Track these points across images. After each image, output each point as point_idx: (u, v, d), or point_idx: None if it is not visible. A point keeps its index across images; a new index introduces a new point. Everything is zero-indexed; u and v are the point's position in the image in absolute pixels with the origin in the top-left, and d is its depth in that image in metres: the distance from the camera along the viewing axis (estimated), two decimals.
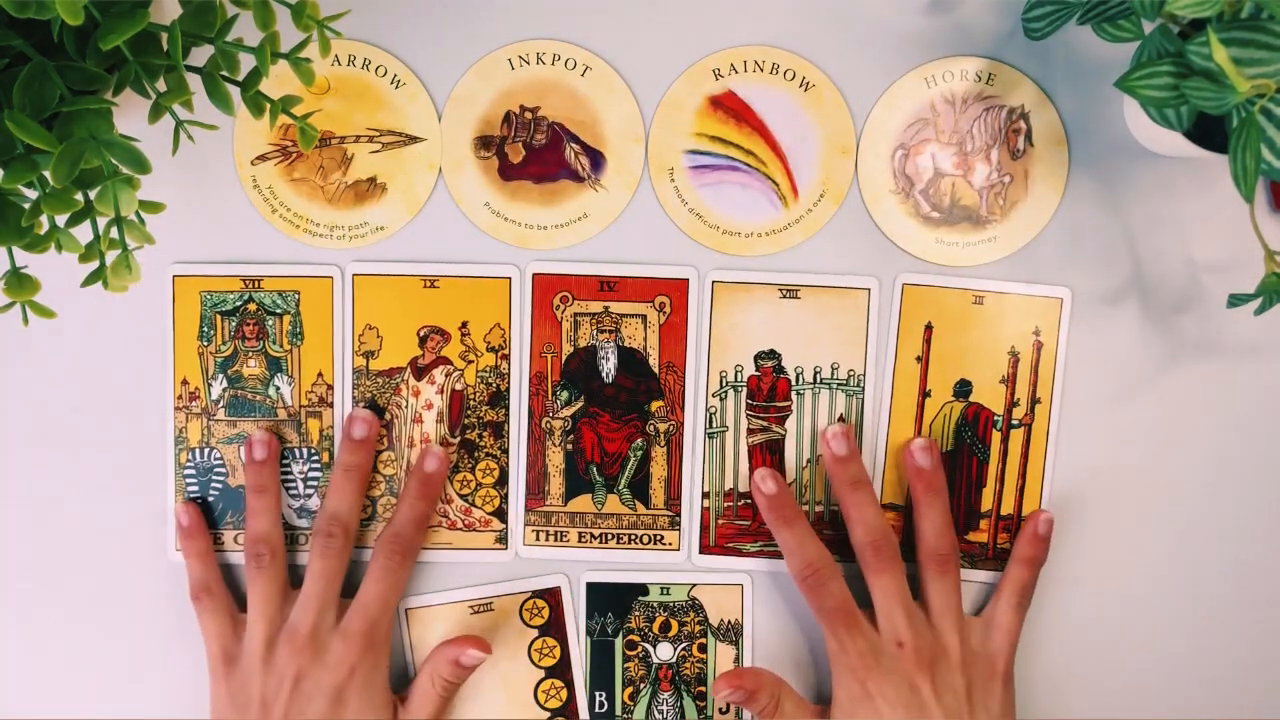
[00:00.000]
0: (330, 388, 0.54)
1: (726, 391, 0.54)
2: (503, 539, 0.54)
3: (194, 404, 0.53)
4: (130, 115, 0.43)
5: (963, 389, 0.54)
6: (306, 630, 0.49)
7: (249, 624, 0.51)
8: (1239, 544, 0.55)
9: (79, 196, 0.38)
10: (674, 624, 0.54)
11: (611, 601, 0.54)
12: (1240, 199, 0.41)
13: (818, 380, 0.54)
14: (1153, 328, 0.54)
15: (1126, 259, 0.54)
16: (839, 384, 0.54)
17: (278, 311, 0.53)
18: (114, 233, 0.39)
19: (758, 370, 0.54)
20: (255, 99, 0.40)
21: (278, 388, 0.54)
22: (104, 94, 0.38)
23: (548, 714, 0.54)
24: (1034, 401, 0.54)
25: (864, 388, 0.54)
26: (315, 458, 0.54)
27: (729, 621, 0.54)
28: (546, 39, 0.53)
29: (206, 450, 0.54)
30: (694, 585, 0.54)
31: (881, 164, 0.54)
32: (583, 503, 0.54)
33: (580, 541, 0.54)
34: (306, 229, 0.53)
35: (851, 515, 0.52)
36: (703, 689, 0.54)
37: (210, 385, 0.53)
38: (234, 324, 0.53)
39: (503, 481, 0.54)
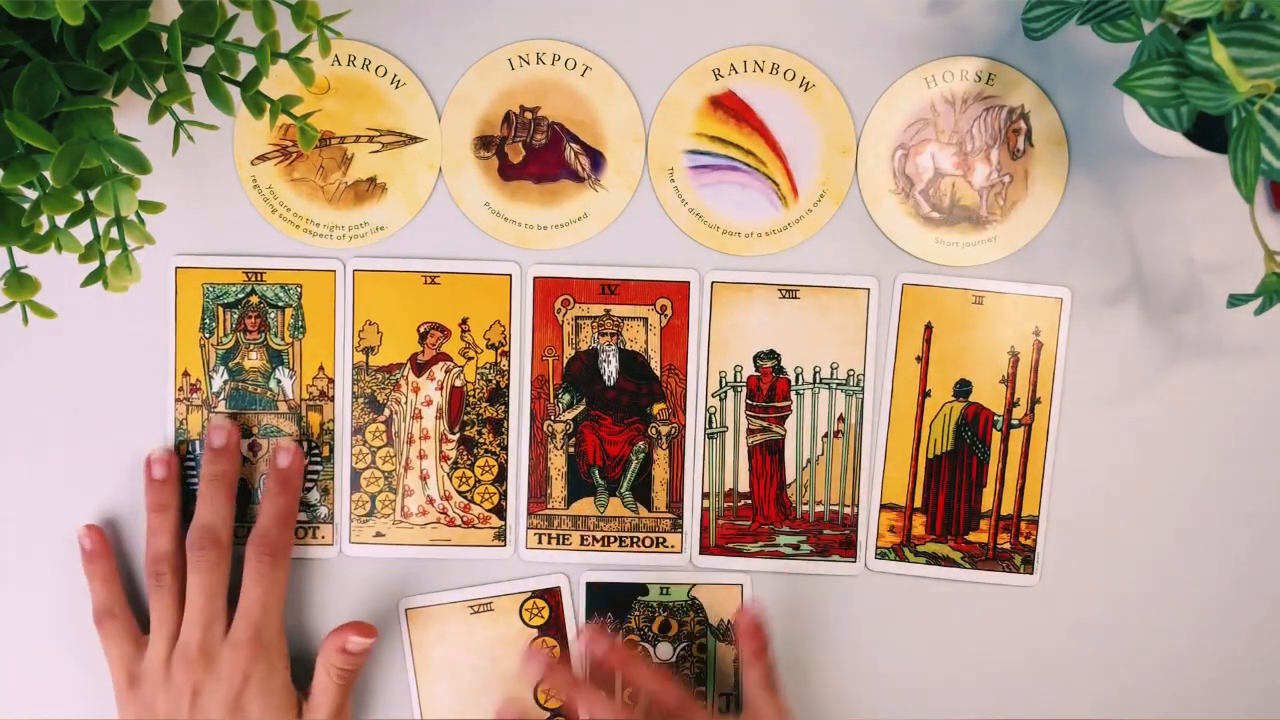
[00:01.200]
0: (331, 381, 0.54)
1: (726, 392, 0.54)
2: (501, 535, 0.54)
3: (195, 396, 0.54)
4: (130, 115, 0.43)
5: (963, 389, 0.54)
6: (195, 645, 0.50)
7: (150, 643, 0.51)
8: (1238, 544, 0.55)
9: (79, 196, 0.38)
10: (674, 623, 0.54)
11: (611, 601, 0.54)
12: (1240, 199, 0.41)
13: (817, 380, 0.54)
14: (1153, 328, 0.54)
15: (1126, 259, 0.54)
16: (839, 384, 0.54)
17: (280, 304, 0.53)
18: (114, 233, 0.39)
19: (757, 370, 0.54)
20: (255, 99, 0.40)
21: (279, 380, 0.54)
22: (104, 94, 0.38)
23: (548, 714, 0.54)
24: (1034, 401, 0.54)
25: (864, 388, 0.54)
26: (315, 452, 0.54)
27: (729, 621, 0.54)
28: (546, 39, 0.53)
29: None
30: (694, 585, 0.54)
31: (881, 164, 0.54)
32: (585, 506, 0.54)
33: (583, 545, 0.54)
34: (306, 229, 0.53)
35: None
36: (703, 688, 0.54)
37: (211, 377, 0.54)
38: (236, 316, 0.53)
39: (501, 478, 0.54)
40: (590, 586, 0.54)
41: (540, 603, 0.54)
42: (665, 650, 0.54)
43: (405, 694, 0.54)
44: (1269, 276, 0.46)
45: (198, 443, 0.54)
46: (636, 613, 0.54)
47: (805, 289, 0.54)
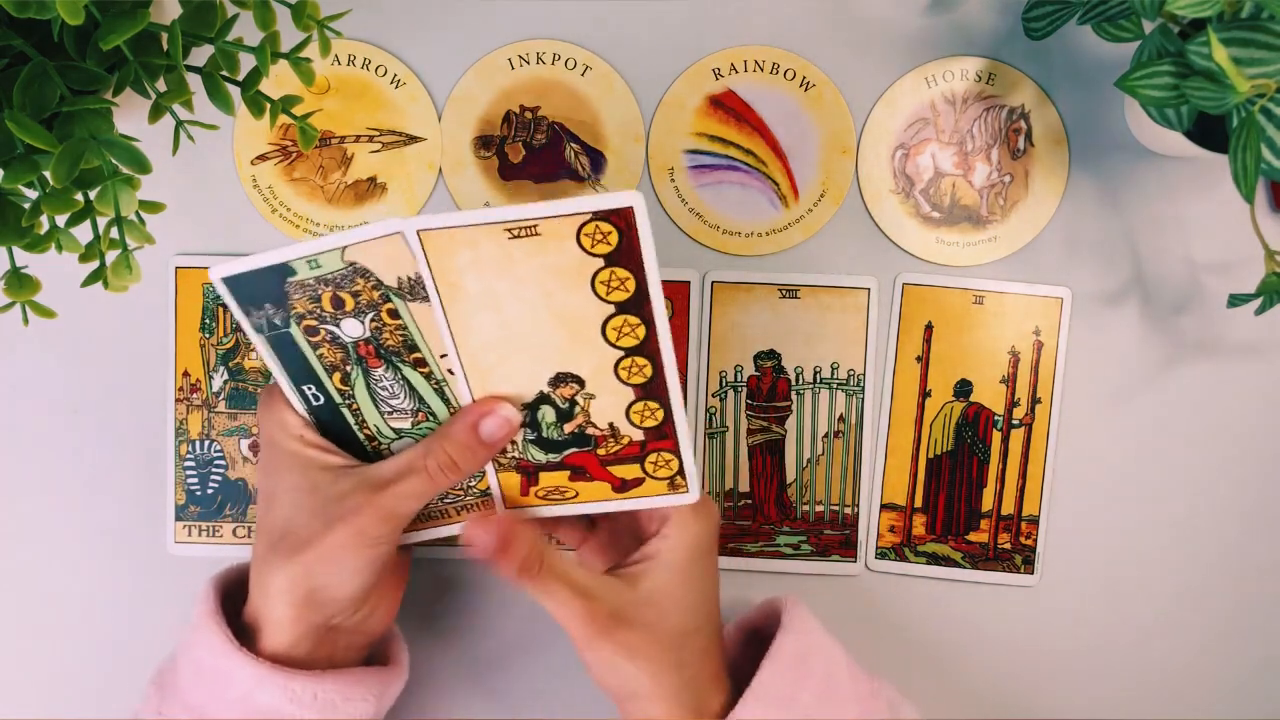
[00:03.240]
0: None
1: (726, 392, 0.54)
2: None
3: (195, 396, 0.54)
4: (130, 115, 0.43)
5: (963, 389, 0.54)
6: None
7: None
8: (1238, 543, 0.55)
9: (79, 196, 0.38)
10: (345, 297, 0.41)
11: (258, 291, 0.41)
12: (1240, 199, 0.41)
13: (818, 380, 0.54)
14: (1153, 328, 0.54)
15: (1126, 259, 0.54)
16: (839, 384, 0.54)
17: None
18: (114, 233, 0.39)
19: (757, 370, 0.54)
20: (255, 99, 0.40)
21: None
22: (104, 94, 0.38)
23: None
24: (1034, 401, 0.54)
25: (864, 388, 0.54)
26: None
27: (409, 277, 0.40)
28: (546, 39, 0.53)
29: (207, 442, 0.54)
30: (345, 247, 0.40)
31: (882, 164, 0.54)
32: None
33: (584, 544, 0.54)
34: (307, 229, 0.53)
35: None
36: (418, 355, 0.42)
37: (211, 377, 0.54)
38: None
39: None
40: (227, 281, 0.42)
41: (606, 226, 0.37)
42: (352, 327, 0.43)
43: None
44: (1269, 276, 0.46)
45: (198, 442, 0.54)
46: (296, 296, 0.43)
47: (805, 289, 0.54)
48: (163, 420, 0.54)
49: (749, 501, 0.54)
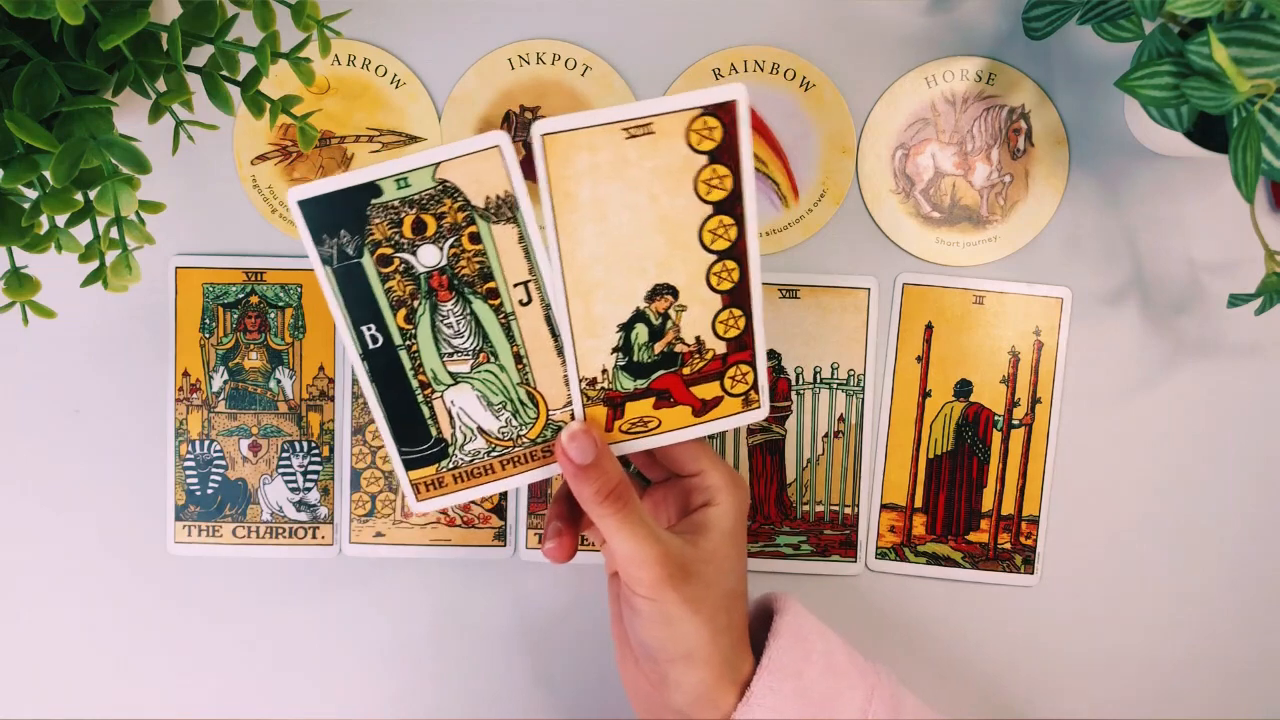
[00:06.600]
0: (331, 381, 0.54)
1: None
2: (501, 535, 0.54)
3: (195, 396, 0.54)
4: (130, 115, 0.43)
5: (963, 389, 0.54)
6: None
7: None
8: (1238, 543, 0.55)
9: (79, 196, 0.38)
10: (428, 220, 0.41)
11: (337, 216, 0.40)
12: (1240, 199, 0.41)
13: (818, 380, 0.54)
14: (1153, 328, 0.54)
15: (1126, 259, 0.54)
16: (839, 384, 0.54)
17: (280, 304, 0.53)
18: (114, 233, 0.39)
19: None
20: (255, 99, 0.40)
21: (279, 380, 0.54)
22: (104, 94, 0.38)
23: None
24: (1034, 401, 0.54)
25: (864, 388, 0.54)
26: (315, 452, 0.54)
27: (498, 195, 0.40)
28: (546, 39, 0.53)
29: (207, 442, 0.54)
30: (438, 164, 0.40)
31: (882, 164, 0.54)
32: None
33: (584, 544, 0.54)
34: None
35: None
36: (492, 285, 0.42)
37: (211, 377, 0.54)
38: (236, 316, 0.53)
39: None
40: (303, 205, 0.40)
41: (712, 121, 0.40)
42: (429, 254, 0.42)
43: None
44: (1269, 276, 0.46)
45: (198, 442, 0.54)
46: (376, 220, 0.42)
47: (805, 289, 0.54)
48: (163, 420, 0.54)
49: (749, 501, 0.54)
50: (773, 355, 0.54)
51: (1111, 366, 0.54)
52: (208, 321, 0.53)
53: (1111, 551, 0.55)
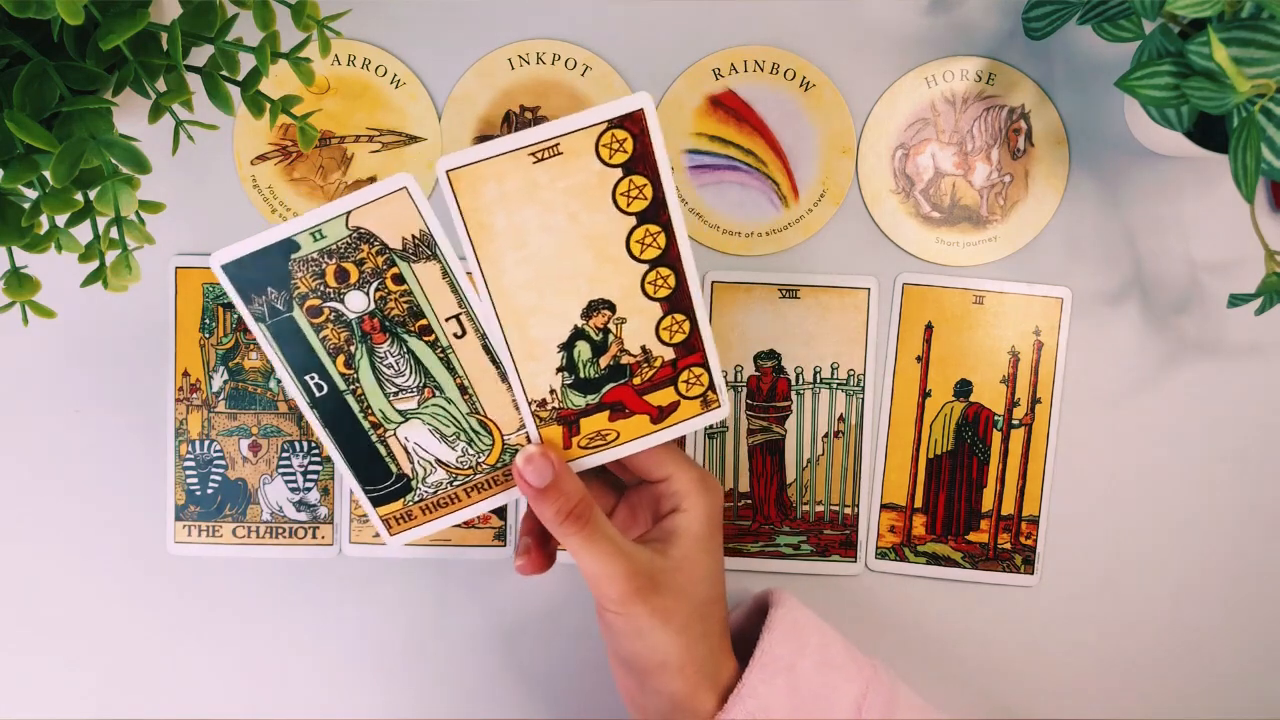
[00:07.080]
0: None
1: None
2: (501, 536, 0.54)
3: (195, 396, 0.54)
4: (130, 115, 0.43)
5: (963, 389, 0.54)
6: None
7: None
8: (1238, 543, 0.55)
9: (79, 196, 0.38)
10: (349, 268, 0.41)
11: (260, 274, 0.41)
12: (1240, 199, 0.41)
13: (818, 380, 0.54)
14: (1153, 328, 0.54)
15: (1126, 259, 0.54)
16: (839, 384, 0.54)
17: None
18: (114, 233, 0.39)
19: (757, 370, 0.54)
20: (255, 99, 0.40)
21: (278, 380, 0.54)
22: (104, 94, 0.38)
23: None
24: (1034, 401, 0.54)
25: (864, 388, 0.54)
26: (315, 452, 0.54)
27: (414, 235, 0.41)
28: (546, 39, 0.53)
29: (207, 442, 0.54)
30: (349, 213, 0.40)
31: (882, 164, 0.54)
32: None
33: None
34: None
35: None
36: (423, 322, 0.43)
37: (211, 377, 0.54)
38: (236, 316, 0.53)
39: None
40: (227, 269, 0.42)
41: (621, 133, 0.40)
42: (356, 300, 0.43)
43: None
44: (1269, 276, 0.46)
45: (198, 442, 0.54)
46: (298, 274, 0.43)
47: (805, 289, 0.54)
48: (163, 420, 0.54)
49: (749, 501, 0.54)
50: (773, 355, 0.54)
51: (1111, 366, 0.54)
52: (208, 322, 0.53)
53: (1111, 551, 0.55)
